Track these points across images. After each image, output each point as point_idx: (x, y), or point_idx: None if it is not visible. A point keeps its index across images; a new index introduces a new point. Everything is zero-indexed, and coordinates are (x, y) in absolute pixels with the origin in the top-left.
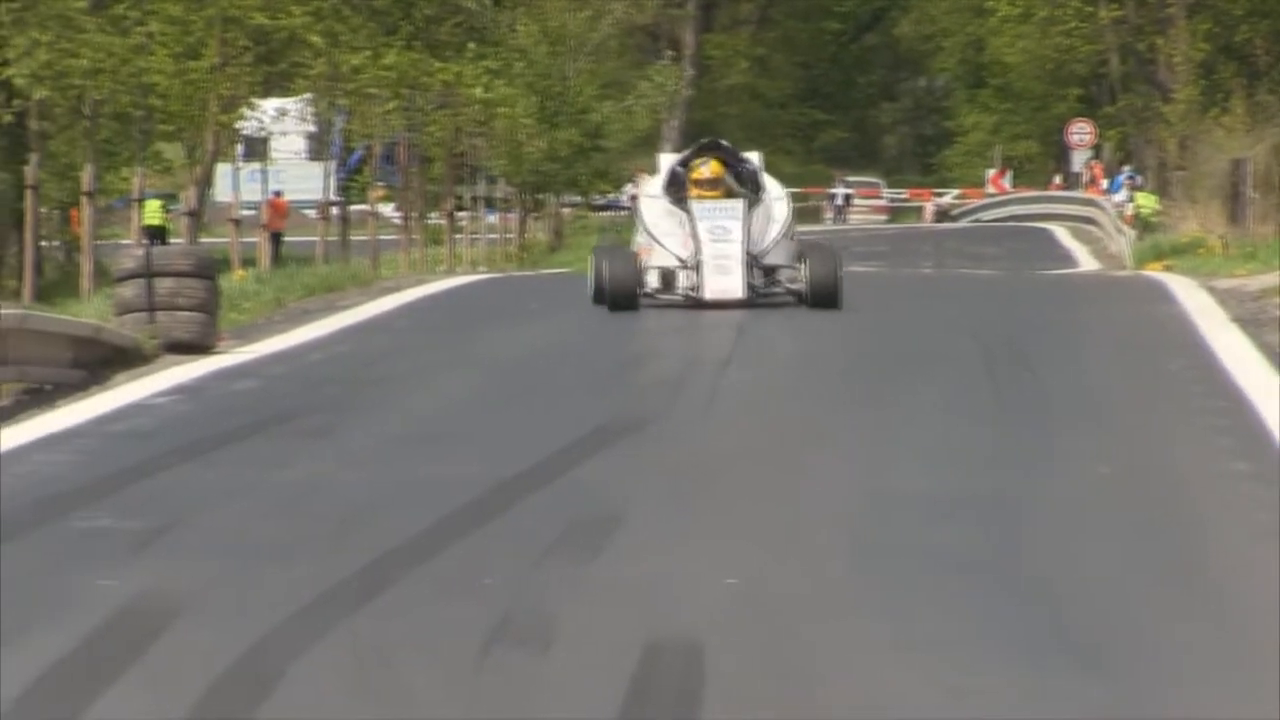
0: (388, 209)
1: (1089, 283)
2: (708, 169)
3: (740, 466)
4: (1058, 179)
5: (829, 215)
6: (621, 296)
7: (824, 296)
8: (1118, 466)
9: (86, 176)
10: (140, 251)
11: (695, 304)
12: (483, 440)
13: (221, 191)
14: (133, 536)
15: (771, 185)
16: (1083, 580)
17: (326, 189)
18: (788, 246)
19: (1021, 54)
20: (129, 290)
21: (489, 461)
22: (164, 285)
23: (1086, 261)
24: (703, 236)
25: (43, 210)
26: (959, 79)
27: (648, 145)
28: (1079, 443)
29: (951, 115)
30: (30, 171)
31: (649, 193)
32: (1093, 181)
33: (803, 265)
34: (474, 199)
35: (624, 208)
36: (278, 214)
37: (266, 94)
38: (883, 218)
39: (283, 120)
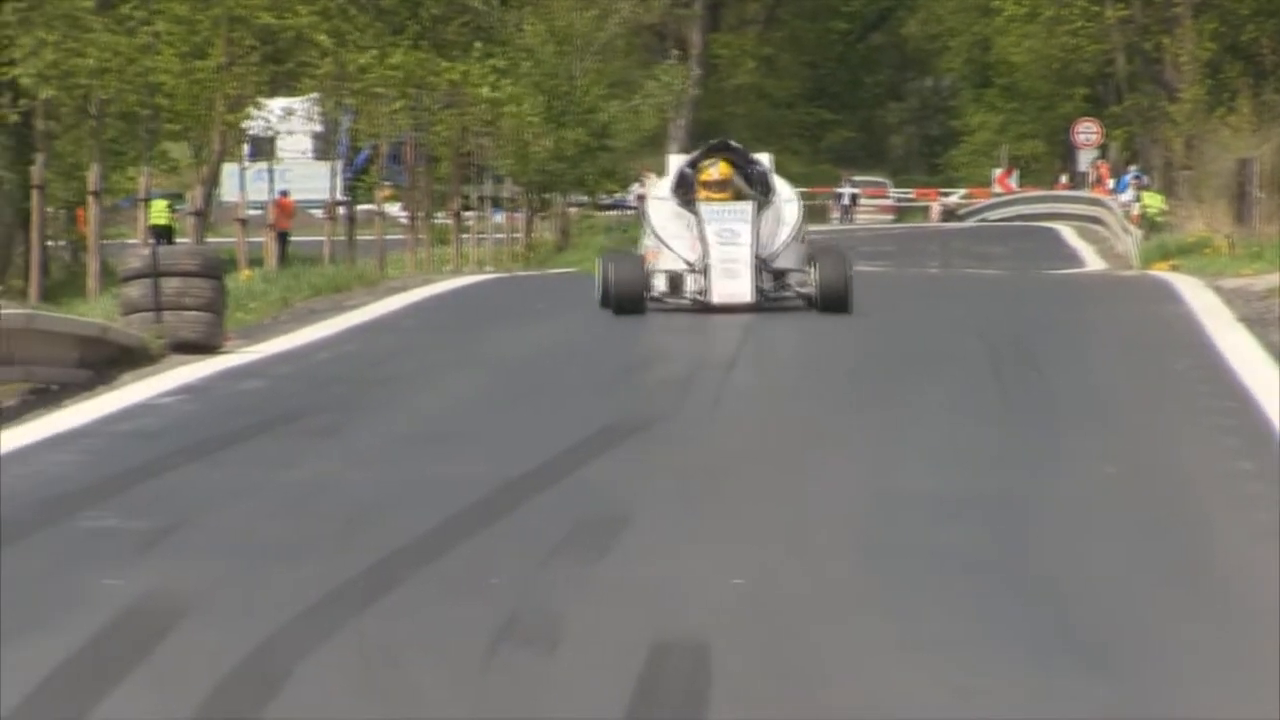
0: (394, 209)
1: (1095, 282)
2: (716, 170)
3: (747, 466)
4: (1064, 178)
5: (835, 215)
6: (627, 300)
7: (834, 301)
8: (1124, 466)
9: (93, 176)
10: (146, 251)
11: (702, 308)
12: (489, 440)
13: (228, 191)
14: (139, 536)
15: (782, 187)
16: (1089, 580)
17: (333, 189)
18: (798, 249)
19: (1028, 53)
20: (135, 290)
21: (495, 461)
22: (170, 285)
23: (1093, 261)
24: (710, 239)
25: (49, 210)
26: (965, 79)
27: (654, 145)
28: (1085, 442)
29: (958, 115)
30: (36, 171)
31: (657, 195)
32: (1099, 181)
33: (812, 269)
34: (480, 198)
35: (630, 207)
36: (284, 214)
37: (273, 93)
38: (889, 217)
39: (289, 120)
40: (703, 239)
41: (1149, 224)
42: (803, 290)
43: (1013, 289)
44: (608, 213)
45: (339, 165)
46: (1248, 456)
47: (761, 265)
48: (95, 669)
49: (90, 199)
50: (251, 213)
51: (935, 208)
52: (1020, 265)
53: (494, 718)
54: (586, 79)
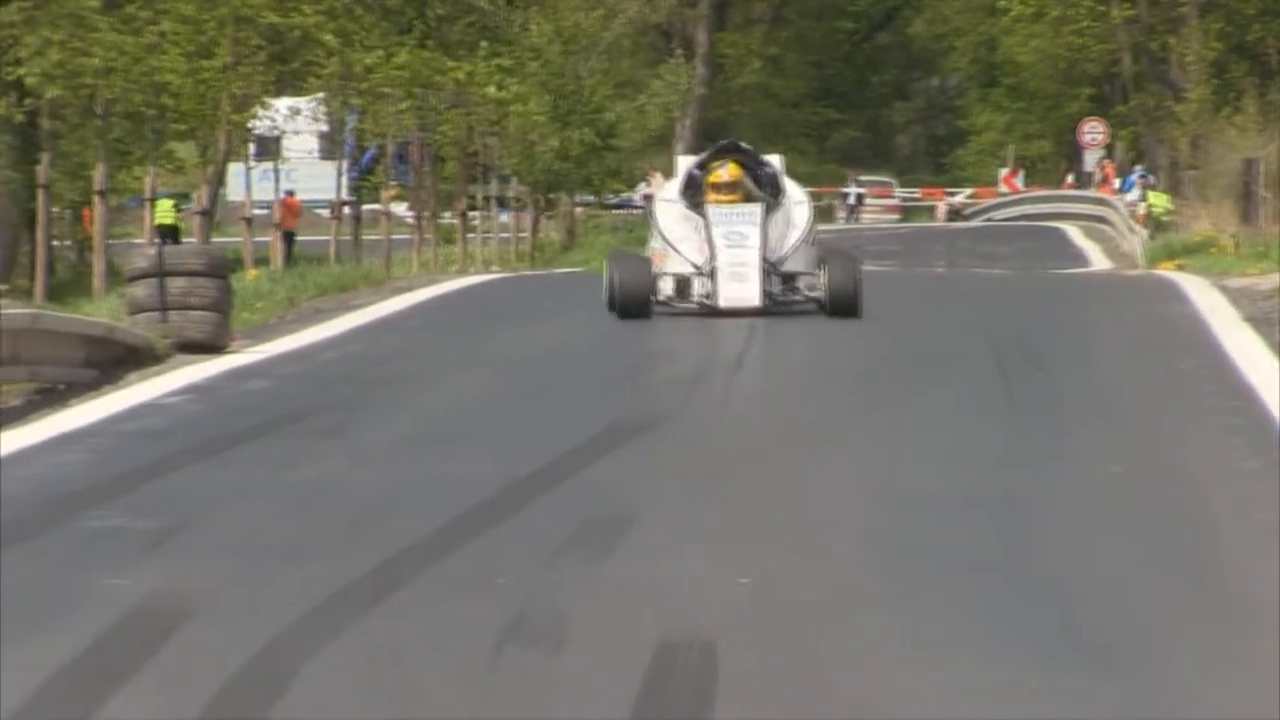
0: (400, 208)
1: (1101, 282)
2: (725, 172)
3: (752, 466)
4: (1070, 178)
5: (842, 214)
6: (633, 304)
7: (843, 305)
8: (1130, 466)
9: (98, 176)
10: (153, 251)
11: (710, 312)
12: (495, 439)
13: (234, 191)
14: (145, 536)
15: (792, 189)
16: (1094, 580)
17: (339, 188)
18: (808, 252)
19: (1034, 53)
20: (141, 290)
21: (501, 461)
22: (176, 285)
23: (1099, 261)
24: (718, 242)
25: (55, 210)
26: (972, 78)
27: (661, 144)
28: (1091, 442)
29: (964, 114)
30: (42, 171)
31: (665, 196)
32: (1105, 181)
33: (822, 272)
34: (487, 198)
35: (637, 207)
36: (290, 213)
37: (279, 93)
38: (895, 217)
39: (295, 119)
40: (710, 242)
41: (1155, 224)
42: (812, 294)
43: (1019, 289)
44: (614, 212)
45: (345, 165)
46: (1253, 456)
47: (770, 268)
48: (101, 669)
49: (96, 199)
50: (257, 212)
51: (941, 207)
52: (1026, 265)
53: (500, 717)
54: (593, 79)
